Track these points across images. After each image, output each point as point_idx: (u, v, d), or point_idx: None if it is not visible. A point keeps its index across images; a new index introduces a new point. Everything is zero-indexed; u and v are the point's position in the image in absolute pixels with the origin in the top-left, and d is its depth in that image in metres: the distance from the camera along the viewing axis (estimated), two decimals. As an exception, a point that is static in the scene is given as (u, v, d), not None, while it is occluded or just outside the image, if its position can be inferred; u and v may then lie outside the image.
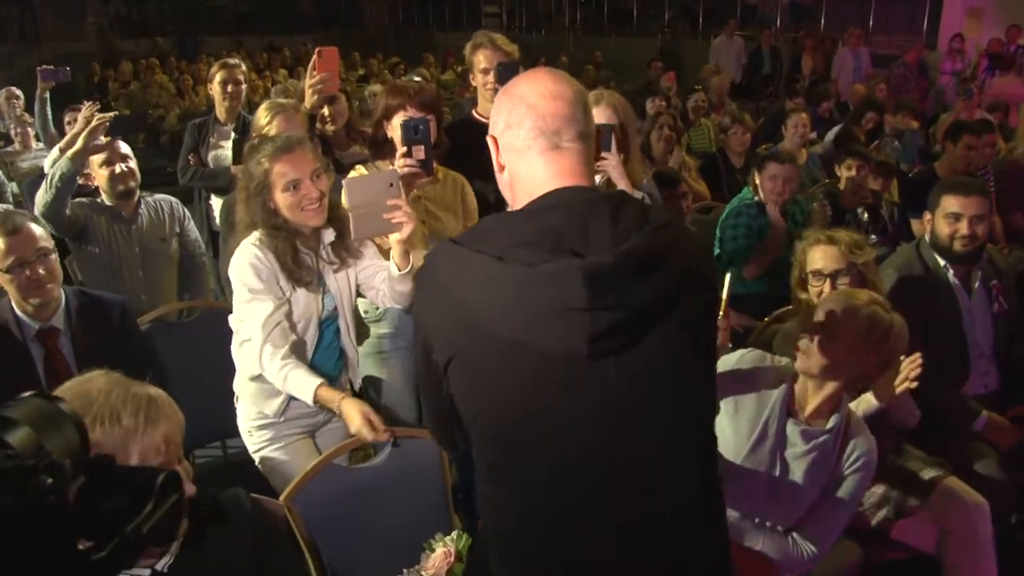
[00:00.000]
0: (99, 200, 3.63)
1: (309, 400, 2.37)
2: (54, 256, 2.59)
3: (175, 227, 3.76)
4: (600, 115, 2.81)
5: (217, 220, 4.24)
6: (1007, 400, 3.05)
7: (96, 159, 3.55)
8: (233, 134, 4.42)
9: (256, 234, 2.45)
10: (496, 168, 1.58)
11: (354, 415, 2.25)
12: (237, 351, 2.58)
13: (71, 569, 0.65)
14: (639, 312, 1.40)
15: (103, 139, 3.51)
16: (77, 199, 3.58)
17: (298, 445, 2.60)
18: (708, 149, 6.31)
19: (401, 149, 2.65)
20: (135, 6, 24.00)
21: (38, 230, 2.57)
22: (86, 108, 4.02)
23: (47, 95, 5.40)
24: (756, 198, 4.06)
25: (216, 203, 4.38)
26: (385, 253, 2.62)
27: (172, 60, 14.24)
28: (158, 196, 3.80)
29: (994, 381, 3.10)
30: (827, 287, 2.74)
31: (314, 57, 3.18)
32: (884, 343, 2.24)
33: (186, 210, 3.88)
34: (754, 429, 2.25)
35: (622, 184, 2.80)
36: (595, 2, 20.27)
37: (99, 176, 3.59)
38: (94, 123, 3.43)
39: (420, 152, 2.64)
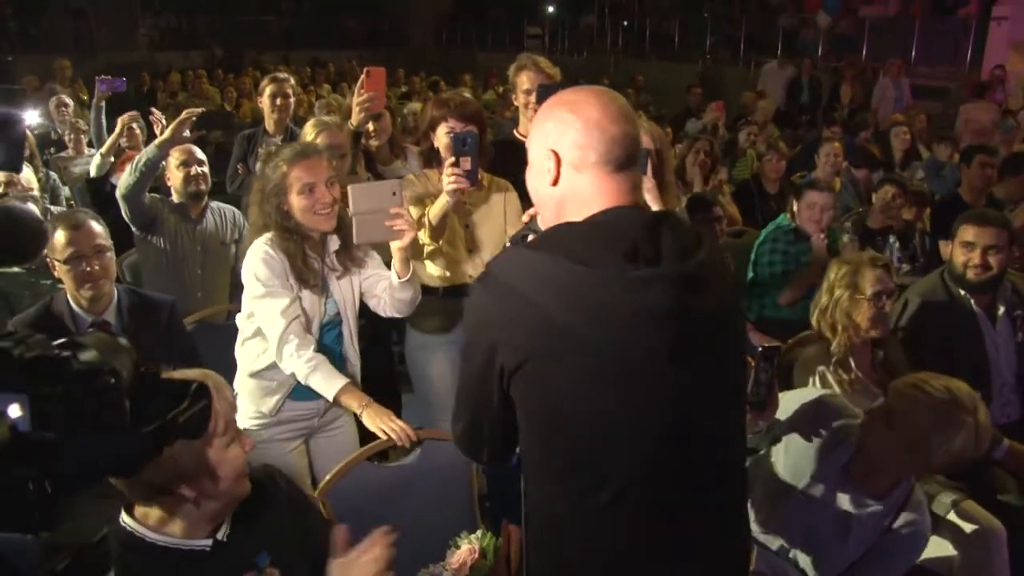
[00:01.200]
0: (171, 198, 3.87)
1: (330, 397, 2.49)
2: (110, 254, 2.74)
3: (235, 234, 3.98)
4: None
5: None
6: (1028, 429, 3.09)
7: (174, 160, 3.80)
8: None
9: (268, 235, 2.58)
10: (546, 180, 1.60)
11: (373, 427, 2.36)
12: (240, 348, 2.70)
13: (125, 442, 0.82)
14: (710, 321, 1.50)
15: (188, 133, 3.75)
16: (151, 193, 3.80)
17: (290, 447, 2.70)
18: (746, 176, 6.37)
19: (449, 159, 2.77)
20: (185, 19, 24.55)
21: (98, 228, 2.72)
22: (127, 116, 4.28)
23: (103, 104, 5.61)
24: (794, 225, 4.13)
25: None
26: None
27: (219, 73, 14.54)
28: (223, 204, 4.03)
29: (1016, 411, 3.14)
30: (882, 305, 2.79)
31: (362, 77, 3.31)
32: (951, 441, 2.09)
33: (246, 220, 4.06)
34: (809, 474, 2.29)
35: (655, 208, 2.90)
36: (637, 26, 20.42)
37: (174, 176, 3.84)
38: (183, 115, 3.68)
39: (467, 163, 2.75)
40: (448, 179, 2.74)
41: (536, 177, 1.63)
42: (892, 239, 4.58)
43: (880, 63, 12.83)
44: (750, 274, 4.20)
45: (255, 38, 23.76)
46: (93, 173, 5.04)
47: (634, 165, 1.58)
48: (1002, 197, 5.36)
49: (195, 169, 3.86)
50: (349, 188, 2.50)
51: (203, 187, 3.91)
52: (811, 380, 2.80)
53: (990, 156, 5.25)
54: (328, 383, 2.49)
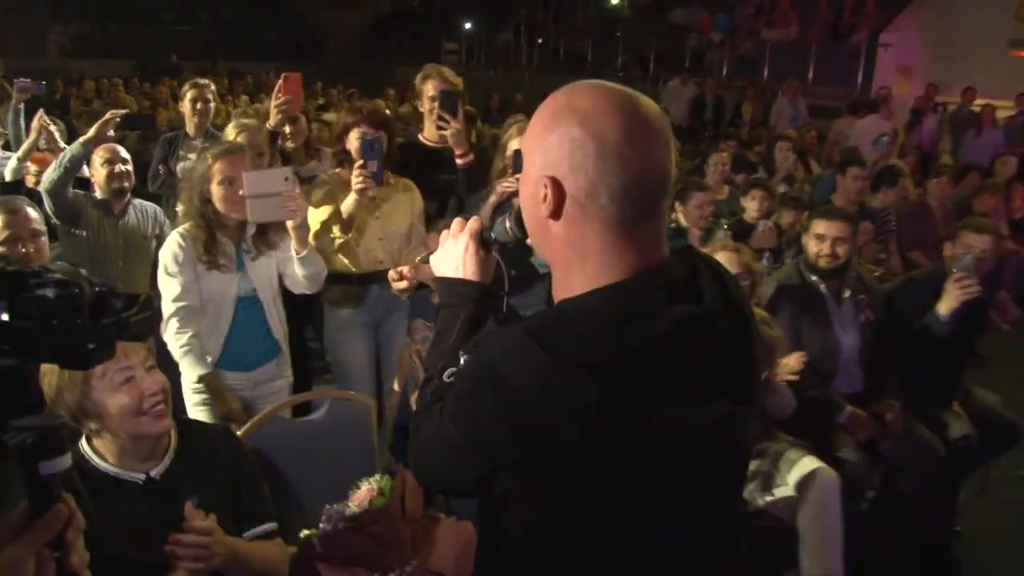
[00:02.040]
0: (94, 194, 4.07)
1: (193, 378, 2.86)
2: (44, 239, 2.97)
3: (156, 229, 4.20)
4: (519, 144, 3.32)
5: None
6: (869, 399, 3.52)
7: (98, 158, 4.01)
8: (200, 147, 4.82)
9: (184, 226, 2.91)
10: (540, 209, 1.23)
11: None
12: (164, 326, 2.98)
13: (87, 334, 1.00)
14: (736, 463, 1.36)
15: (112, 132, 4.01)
16: (75, 189, 4.01)
17: None
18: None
19: (358, 162, 3.11)
20: (99, 27, 24.18)
21: (34, 214, 2.96)
22: (36, 119, 4.51)
23: (21, 106, 5.71)
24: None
25: (182, 210, 4.77)
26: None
27: (135, 81, 14.51)
28: (145, 202, 4.27)
29: (859, 383, 3.57)
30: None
31: (280, 81, 3.61)
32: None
33: (166, 218, 4.30)
34: None
35: None
36: (551, 44, 20.98)
37: (98, 172, 4.05)
38: (107, 116, 3.93)
39: (373, 165, 3.11)
40: (356, 179, 3.08)
41: (530, 202, 1.27)
42: (767, 253, 4.99)
43: (780, 83, 13.59)
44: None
45: (172, 48, 23.55)
46: (9, 177, 5.17)
47: (661, 207, 1.23)
48: (876, 206, 5.92)
49: (119, 167, 4.07)
50: (243, 174, 2.80)
51: (126, 184, 4.13)
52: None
53: (861, 168, 5.77)
54: (192, 368, 2.85)
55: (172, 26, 25.59)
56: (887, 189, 6.00)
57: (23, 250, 2.88)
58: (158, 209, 4.30)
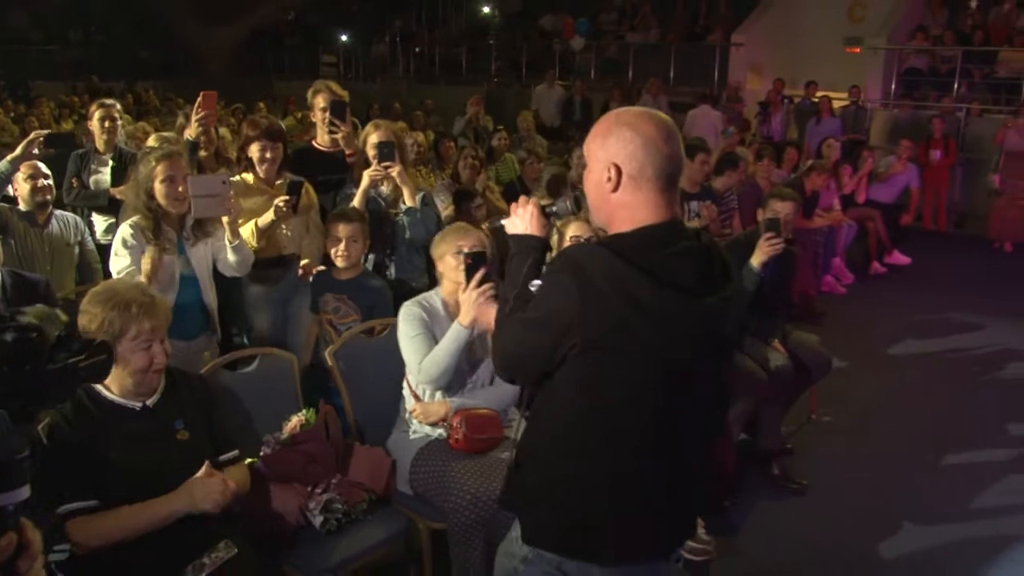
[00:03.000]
0: (19, 207, 4.48)
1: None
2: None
3: (78, 236, 4.66)
4: (382, 136, 4.17)
5: (99, 234, 5.11)
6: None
7: (22, 174, 4.46)
8: (111, 162, 5.28)
9: (132, 219, 3.44)
10: (606, 188, 1.88)
11: None
12: None
13: (41, 377, 1.12)
14: (727, 340, 2.07)
15: (35, 151, 4.44)
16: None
17: None
18: (512, 178, 7.52)
19: (282, 199, 3.85)
20: (-41, 49, 23.55)
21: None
22: None
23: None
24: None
25: (97, 219, 5.21)
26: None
27: (9, 103, 14.46)
28: (66, 212, 4.72)
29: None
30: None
31: (199, 99, 4.17)
32: None
33: (86, 227, 4.79)
34: None
35: (406, 188, 4.11)
36: (427, 53, 21.61)
37: (22, 187, 4.49)
38: (31, 136, 4.40)
39: (293, 201, 3.87)
40: (280, 206, 3.80)
41: (596, 185, 1.91)
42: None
43: (643, 83, 14.58)
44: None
45: (40, 69, 23.15)
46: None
47: (677, 184, 1.90)
48: (719, 188, 6.76)
49: (41, 182, 4.53)
50: (187, 178, 3.41)
51: (48, 197, 4.58)
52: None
53: (707, 154, 6.58)
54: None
55: (42, 46, 25.09)
56: (730, 172, 6.83)
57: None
58: (78, 219, 4.76)
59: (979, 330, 6.94)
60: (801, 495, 4.25)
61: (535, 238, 2.13)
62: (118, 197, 5.01)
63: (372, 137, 4.19)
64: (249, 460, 2.92)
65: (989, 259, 9.72)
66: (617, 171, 1.86)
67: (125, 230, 3.39)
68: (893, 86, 13.37)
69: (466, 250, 2.99)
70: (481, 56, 20.47)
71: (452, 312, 3.21)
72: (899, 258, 8.85)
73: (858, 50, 14.20)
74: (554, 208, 2.30)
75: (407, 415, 3.28)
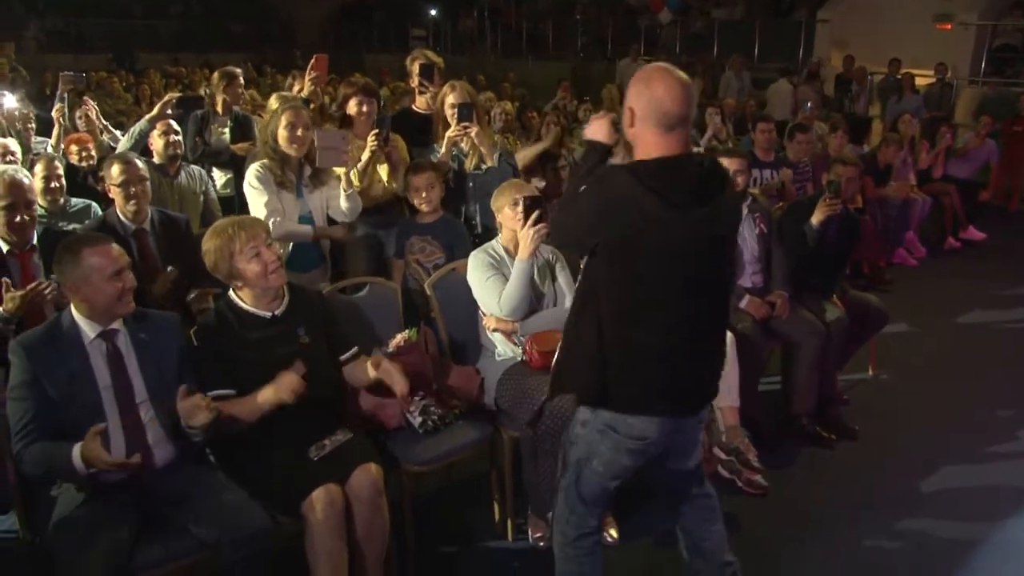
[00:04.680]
0: (153, 160, 5.08)
1: (308, 237, 4.00)
2: (148, 183, 3.96)
3: (203, 187, 5.27)
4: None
5: (219, 187, 5.68)
6: (764, 291, 4.66)
7: (157, 131, 5.07)
8: (229, 123, 5.85)
9: (260, 161, 3.95)
10: (626, 122, 2.50)
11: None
12: None
13: None
14: (727, 237, 2.63)
15: (170, 110, 5.08)
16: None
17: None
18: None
19: (372, 132, 4.25)
20: (72, 22, 24.80)
21: (141, 164, 3.95)
22: (58, 104, 5.59)
23: (66, 95, 6.66)
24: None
25: (217, 174, 5.79)
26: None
27: (123, 72, 15.37)
28: (192, 165, 5.32)
29: (760, 280, 4.71)
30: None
31: (312, 60, 4.69)
32: None
33: (210, 178, 5.41)
34: None
35: (484, 147, 4.52)
36: (514, 28, 21.97)
37: (156, 142, 5.09)
38: (166, 98, 5.06)
39: (383, 133, 4.25)
40: (370, 145, 4.21)
41: (625, 119, 2.52)
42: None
43: (728, 59, 14.72)
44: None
45: (144, 41, 24.23)
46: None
47: (685, 127, 2.45)
48: (792, 158, 7.03)
49: (172, 137, 5.12)
50: (316, 131, 3.93)
51: (179, 151, 5.18)
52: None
53: (767, 123, 6.87)
54: (296, 232, 3.96)
55: (143, 19, 26.20)
56: (799, 138, 7.06)
57: (134, 190, 3.86)
58: (203, 172, 5.35)
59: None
60: (853, 439, 4.59)
61: (603, 144, 2.72)
62: (239, 153, 5.59)
63: (449, 97, 4.55)
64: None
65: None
66: (631, 113, 2.47)
67: (255, 169, 3.91)
68: (983, 63, 13.25)
69: (524, 196, 3.45)
70: (567, 31, 20.75)
71: (512, 255, 3.66)
72: (974, 234, 8.93)
73: (949, 26, 14.08)
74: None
75: (488, 334, 3.75)
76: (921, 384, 5.41)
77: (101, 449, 2.57)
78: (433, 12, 25.35)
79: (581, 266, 2.63)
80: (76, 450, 2.57)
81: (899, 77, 12.38)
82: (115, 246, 2.85)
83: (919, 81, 12.27)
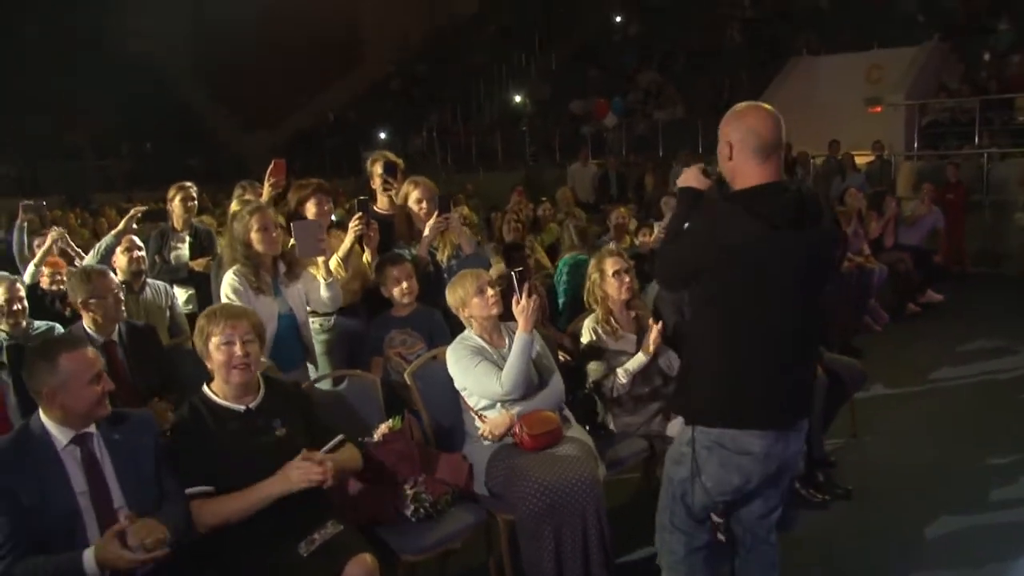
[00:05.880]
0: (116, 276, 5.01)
1: None
2: (120, 294, 3.91)
3: (168, 301, 5.22)
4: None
5: (180, 302, 5.63)
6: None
7: (121, 247, 5.04)
8: (188, 238, 5.85)
9: (233, 268, 3.91)
10: (724, 155, 2.64)
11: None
12: None
13: None
14: (824, 263, 2.74)
15: (135, 225, 5.09)
16: None
17: None
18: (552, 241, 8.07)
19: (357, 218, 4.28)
20: (24, 167, 24.84)
21: (113, 278, 3.93)
22: (53, 231, 5.53)
23: (25, 224, 6.61)
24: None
25: (178, 291, 5.73)
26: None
27: (78, 211, 15.41)
28: (156, 280, 5.29)
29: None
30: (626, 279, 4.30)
31: (271, 166, 4.74)
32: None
33: (174, 292, 5.38)
34: None
35: (463, 237, 4.58)
36: (463, 144, 22.44)
37: (120, 259, 5.06)
38: (131, 212, 5.09)
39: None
40: (354, 227, 4.21)
41: (720, 154, 2.68)
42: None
43: (672, 154, 15.13)
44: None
45: (97, 183, 24.30)
46: (27, 281, 6.04)
47: (778, 154, 2.61)
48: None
49: (136, 253, 5.10)
50: (292, 223, 3.96)
51: (142, 267, 5.15)
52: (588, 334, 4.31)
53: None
54: None
55: (97, 160, 26.37)
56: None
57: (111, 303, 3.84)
58: (167, 286, 5.31)
59: (1015, 356, 7.19)
60: (846, 499, 4.54)
61: (695, 190, 2.87)
62: (197, 270, 5.57)
63: (414, 193, 4.62)
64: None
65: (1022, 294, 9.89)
66: (729, 147, 2.62)
67: (230, 279, 3.85)
68: (916, 140, 13.78)
69: (499, 275, 3.47)
70: (515, 142, 21.23)
71: (490, 342, 3.70)
72: (932, 296, 9.13)
73: (879, 109, 14.67)
74: (707, 168, 2.99)
75: (478, 433, 3.66)
76: (906, 440, 5.45)
77: (121, 549, 2.45)
78: (383, 135, 25.82)
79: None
80: (89, 554, 2.45)
81: (839, 158, 12.81)
82: (91, 348, 2.77)
83: (859, 160, 12.71)
